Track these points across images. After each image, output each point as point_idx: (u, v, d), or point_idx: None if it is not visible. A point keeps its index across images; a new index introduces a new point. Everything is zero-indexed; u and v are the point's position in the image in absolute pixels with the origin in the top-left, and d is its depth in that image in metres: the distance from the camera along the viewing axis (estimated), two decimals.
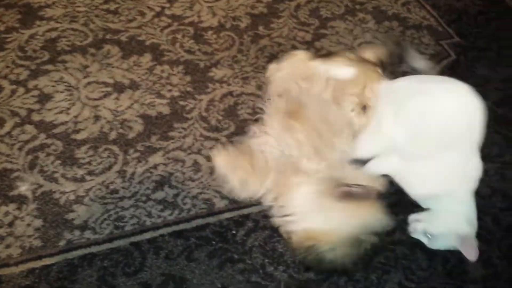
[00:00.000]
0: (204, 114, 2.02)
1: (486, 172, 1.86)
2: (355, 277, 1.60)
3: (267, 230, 1.70)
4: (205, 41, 2.32)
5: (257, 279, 1.59)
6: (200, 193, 1.79)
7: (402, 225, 1.72)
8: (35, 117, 1.96)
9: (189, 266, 1.61)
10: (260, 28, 2.41)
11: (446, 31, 2.46)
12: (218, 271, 1.60)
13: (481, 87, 2.15)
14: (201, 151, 1.90)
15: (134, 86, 2.10)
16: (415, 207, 1.74)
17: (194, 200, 1.77)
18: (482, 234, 1.70)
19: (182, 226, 1.70)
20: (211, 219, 1.72)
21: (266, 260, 1.64)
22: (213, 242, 1.67)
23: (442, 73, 2.21)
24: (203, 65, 2.21)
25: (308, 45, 2.34)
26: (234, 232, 1.70)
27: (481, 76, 2.23)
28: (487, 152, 1.93)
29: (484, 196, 1.80)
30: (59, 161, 1.85)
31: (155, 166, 1.85)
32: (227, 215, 1.74)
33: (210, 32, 2.36)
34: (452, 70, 2.24)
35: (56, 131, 1.93)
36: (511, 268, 1.64)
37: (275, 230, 1.69)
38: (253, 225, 1.72)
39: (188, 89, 2.10)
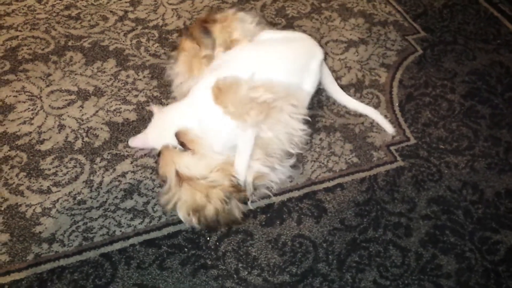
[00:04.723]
0: None
1: (456, 165, 1.88)
2: (329, 277, 1.59)
3: (240, 234, 1.68)
4: (171, 44, 2.28)
5: (232, 285, 1.57)
6: None
7: (375, 223, 1.72)
8: None
9: (162, 275, 1.58)
10: None
11: (412, 26, 2.47)
12: (191, 279, 1.58)
13: (448, 81, 2.18)
14: None
15: (98, 93, 2.06)
16: (386, 203, 1.76)
17: None
18: (454, 228, 1.71)
19: (153, 235, 1.67)
20: (182, 226, 1.69)
21: (240, 265, 1.62)
22: (186, 249, 1.64)
23: (409, 68, 2.23)
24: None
25: None
26: (207, 238, 1.68)
27: (448, 69, 2.25)
28: (456, 145, 1.95)
29: (455, 190, 1.82)
30: (24, 173, 1.80)
31: (123, 174, 1.82)
32: None
33: (175, 35, 2.32)
34: (419, 65, 2.25)
35: (19, 142, 1.89)
36: (485, 261, 1.65)
37: (248, 233, 1.68)
38: (225, 229, 1.69)
39: (155, 93, 2.07)
